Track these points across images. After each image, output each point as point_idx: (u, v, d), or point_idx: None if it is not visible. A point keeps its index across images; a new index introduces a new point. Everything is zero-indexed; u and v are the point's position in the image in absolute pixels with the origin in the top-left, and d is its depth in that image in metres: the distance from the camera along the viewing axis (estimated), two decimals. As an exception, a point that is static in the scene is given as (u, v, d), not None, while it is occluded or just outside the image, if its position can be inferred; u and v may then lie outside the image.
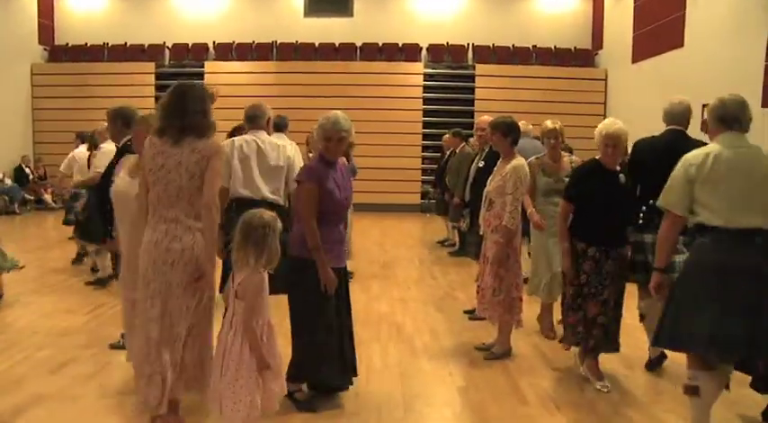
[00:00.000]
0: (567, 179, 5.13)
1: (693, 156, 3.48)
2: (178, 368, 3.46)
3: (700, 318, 3.26)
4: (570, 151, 8.71)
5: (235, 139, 5.40)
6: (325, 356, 4.02)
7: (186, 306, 3.45)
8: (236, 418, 3.19)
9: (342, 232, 4.20)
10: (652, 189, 3.78)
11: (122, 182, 4.07)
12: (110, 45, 16.80)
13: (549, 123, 5.61)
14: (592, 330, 4.39)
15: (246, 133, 5.47)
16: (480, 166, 6.51)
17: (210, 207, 3.38)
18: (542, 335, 5.62)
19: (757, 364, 3.63)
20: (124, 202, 3.98)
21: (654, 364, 4.85)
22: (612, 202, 4.33)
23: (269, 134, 5.57)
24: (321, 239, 3.90)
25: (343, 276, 4.20)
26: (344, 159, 7.69)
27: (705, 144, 3.76)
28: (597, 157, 4.49)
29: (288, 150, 5.57)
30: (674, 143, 4.38)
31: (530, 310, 5.60)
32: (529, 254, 6.05)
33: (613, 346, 4.52)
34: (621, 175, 4.38)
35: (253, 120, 5.46)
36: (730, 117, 3.50)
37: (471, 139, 9.28)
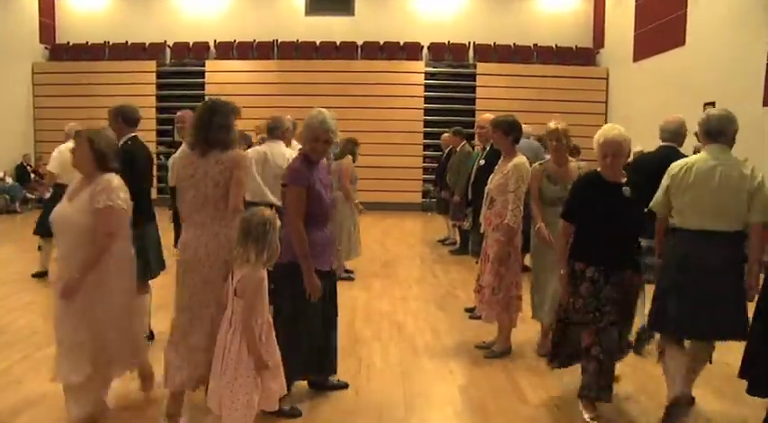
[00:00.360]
0: None
1: (672, 167, 4.03)
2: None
3: (670, 305, 3.89)
4: (578, 151, 8.75)
5: (249, 150, 5.89)
6: (311, 361, 4.05)
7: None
8: (235, 417, 3.19)
9: (331, 233, 4.14)
10: (647, 199, 4.15)
11: (61, 207, 3.78)
12: (111, 44, 16.81)
13: (551, 124, 5.12)
14: (587, 364, 3.86)
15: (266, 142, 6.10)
16: (481, 164, 6.51)
17: (235, 214, 3.63)
18: (537, 353, 5.18)
19: (749, 367, 3.70)
20: (60, 228, 3.72)
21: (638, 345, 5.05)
22: (614, 216, 3.81)
23: (287, 144, 6.10)
24: (308, 243, 3.84)
25: (330, 279, 4.14)
26: (350, 158, 7.78)
27: (682, 157, 4.41)
28: (598, 169, 3.96)
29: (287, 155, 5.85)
30: (666, 158, 4.58)
31: (529, 309, 5.59)
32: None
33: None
34: (626, 188, 3.82)
35: (271, 131, 6.07)
36: (715, 131, 3.90)
37: (476, 145, 9.29)
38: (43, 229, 7.35)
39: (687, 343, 4.06)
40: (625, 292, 3.88)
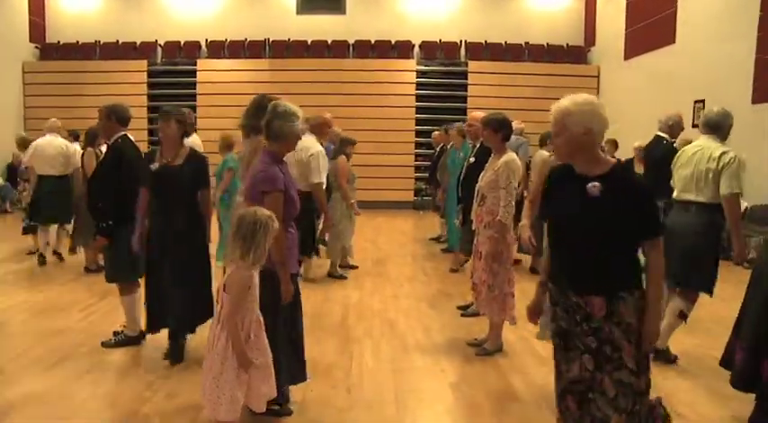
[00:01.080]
0: None
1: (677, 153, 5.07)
2: None
3: None
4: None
5: None
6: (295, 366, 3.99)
7: None
8: (220, 411, 3.20)
9: (296, 233, 3.98)
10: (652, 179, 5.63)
11: None
12: (101, 43, 16.74)
13: None
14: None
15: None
16: (471, 161, 6.53)
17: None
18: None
19: (735, 359, 3.79)
20: None
21: None
22: (571, 219, 2.85)
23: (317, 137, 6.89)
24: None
25: (296, 282, 3.98)
26: (344, 157, 7.80)
27: (673, 146, 5.89)
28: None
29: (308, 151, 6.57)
30: (652, 146, 6.22)
31: (522, 306, 5.61)
32: None
33: None
34: (593, 185, 2.77)
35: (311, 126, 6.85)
36: (713, 123, 4.80)
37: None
38: (38, 219, 8.28)
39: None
40: (584, 327, 2.83)
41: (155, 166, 4.80)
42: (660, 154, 6.02)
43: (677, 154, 5.02)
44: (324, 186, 6.78)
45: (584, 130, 2.81)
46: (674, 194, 4.96)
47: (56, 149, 8.24)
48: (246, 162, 4.59)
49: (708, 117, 4.82)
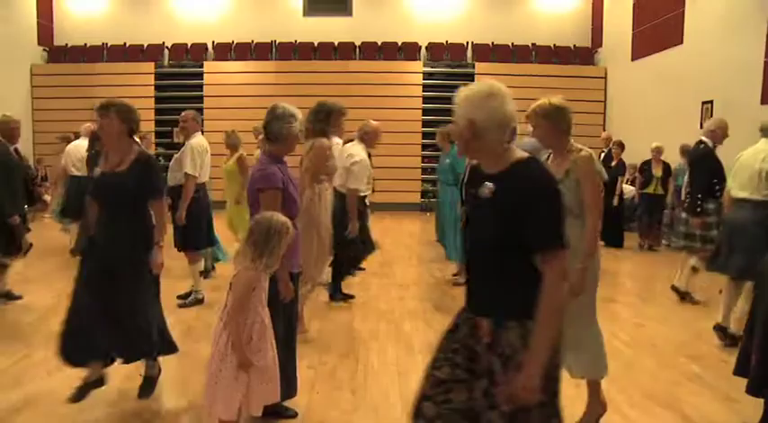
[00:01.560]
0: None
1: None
2: None
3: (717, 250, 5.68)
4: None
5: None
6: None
7: None
8: (217, 408, 3.19)
9: (297, 233, 3.85)
10: (690, 181, 6.63)
11: None
12: (109, 45, 16.80)
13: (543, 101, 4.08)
14: None
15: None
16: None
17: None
18: None
19: (750, 364, 3.74)
20: None
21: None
22: (467, 225, 2.50)
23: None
24: None
25: (296, 281, 3.93)
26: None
27: (707, 150, 6.42)
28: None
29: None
30: (692, 149, 6.86)
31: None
32: None
33: None
34: (487, 185, 2.35)
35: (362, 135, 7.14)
36: (765, 128, 5.44)
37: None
38: (70, 214, 8.94)
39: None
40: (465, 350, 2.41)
41: (97, 171, 4.12)
42: (696, 156, 6.66)
43: (737, 157, 5.56)
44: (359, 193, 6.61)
45: (466, 122, 2.38)
46: (732, 192, 5.56)
47: (79, 153, 9.06)
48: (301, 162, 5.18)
49: (763, 123, 5.49)
